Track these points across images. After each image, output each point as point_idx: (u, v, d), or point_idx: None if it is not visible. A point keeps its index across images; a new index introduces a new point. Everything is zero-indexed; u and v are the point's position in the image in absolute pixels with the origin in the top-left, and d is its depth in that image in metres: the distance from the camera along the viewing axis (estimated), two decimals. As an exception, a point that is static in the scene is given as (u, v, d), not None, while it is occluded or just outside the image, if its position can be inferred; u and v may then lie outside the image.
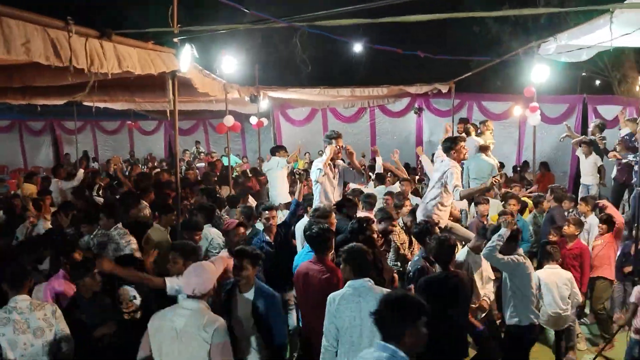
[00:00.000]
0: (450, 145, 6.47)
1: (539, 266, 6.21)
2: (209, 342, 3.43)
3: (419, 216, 6.51)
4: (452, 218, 6.74)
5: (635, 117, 9.05)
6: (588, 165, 9.81)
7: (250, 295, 4.25)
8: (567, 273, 6.01)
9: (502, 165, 13.21)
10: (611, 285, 6.89)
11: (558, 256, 6.08)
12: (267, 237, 5.96)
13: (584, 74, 18.90)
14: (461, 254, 5.71)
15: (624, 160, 8.88)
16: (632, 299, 5.53)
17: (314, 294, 4.47)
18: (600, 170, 9.75)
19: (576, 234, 6.77)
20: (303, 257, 5.14)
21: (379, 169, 9.18)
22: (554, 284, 5.82)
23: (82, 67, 4.41)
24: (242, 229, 5.59)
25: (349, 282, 3.94)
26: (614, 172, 9.47)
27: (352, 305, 3.81)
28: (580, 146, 9.97)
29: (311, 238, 4.72)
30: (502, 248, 4.83)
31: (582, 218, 7.64)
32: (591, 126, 10.38)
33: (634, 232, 6.73)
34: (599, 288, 6.85)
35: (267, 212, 6.15)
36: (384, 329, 2.88)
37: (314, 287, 4.52)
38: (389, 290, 3.96)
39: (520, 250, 4.99)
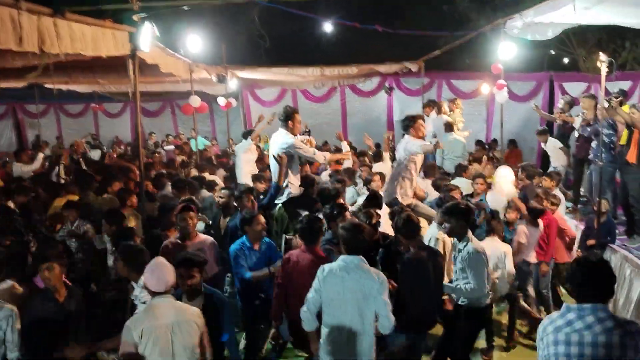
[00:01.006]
0: (409, 123, 6.50)
1: None
2: (200, 330, 3.61)
3: (383, 194, 6.54)
4: (416, 197, 6.77)
5: (593, 94, 9.15)
6: (550, 150, 9.96)
7: (198, 302, 4.05)
8: (504, 247, 6.01)
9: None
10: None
11: (500, 230, 6.12)
12: None
13: (551, 51, 19.09)
14: (429, 232, 5.74)
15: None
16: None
17: (306, 283, 4.37)
18: (563, 150, 9.84)
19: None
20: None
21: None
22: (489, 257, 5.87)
23: (32, 49, 4.23)
24: (191, 213, 5.30)
25: (340, 257, 4.01)
26: (573, 149, 9.62)
27: (337, 280, 3.89)
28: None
29: (302, 229, 4.79)
30: (453, 227, 4.69)
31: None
32: (561, 103, 10.48)
33: (595, 206, 6.86)
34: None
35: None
36: (596, 290, 2.87)
37: (305, 276, 4.47)
38: (376, 270, 4.01)
39: (470, 234, 4.78)
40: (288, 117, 6.56)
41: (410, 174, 6.52)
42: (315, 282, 3.98)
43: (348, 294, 3.84)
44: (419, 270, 4.44)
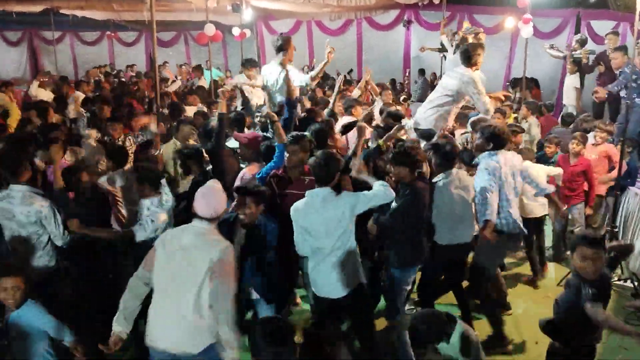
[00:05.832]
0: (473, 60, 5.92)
1: None
2: (210, 265, 3.14)
3: (419, 122, 6.03)
4: None
5: (617, 31, 8.86)
6: (567, 85, 9.77)
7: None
8: None
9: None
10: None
11: None
12: None
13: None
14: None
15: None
16: None
17: None
18: (576, 91, 9.61)
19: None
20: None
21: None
22: None
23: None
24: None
25: (307, 192, 3.82)
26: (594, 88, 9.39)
27: (310, 212, 3.74)
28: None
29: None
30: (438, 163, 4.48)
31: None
32: (573, 41, 10.27)
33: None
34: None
35: None
36: None
37: None
38: (346, 193, 3.81)
39: None
40: (282, 47, 5.99)
41: (454, 110, 6.02)
42: (295, 224, 3.84)
43: (321, 226, 3.70)
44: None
